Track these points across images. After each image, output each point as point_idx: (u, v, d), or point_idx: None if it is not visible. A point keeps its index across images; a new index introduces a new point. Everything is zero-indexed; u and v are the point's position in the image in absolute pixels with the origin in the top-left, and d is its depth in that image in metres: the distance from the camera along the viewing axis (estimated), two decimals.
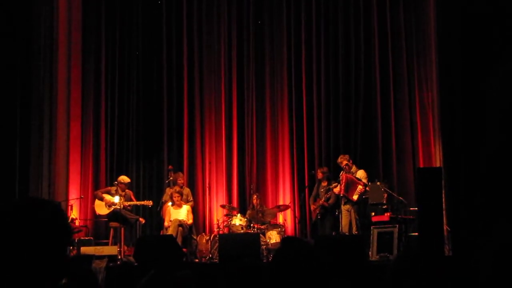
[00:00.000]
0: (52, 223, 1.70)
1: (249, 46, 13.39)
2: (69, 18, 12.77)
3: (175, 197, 11.33)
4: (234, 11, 13.50)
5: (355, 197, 10.58)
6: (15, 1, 11.60)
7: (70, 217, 11.47)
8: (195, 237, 11.46)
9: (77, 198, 12.07)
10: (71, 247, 10.41)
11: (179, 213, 11.28)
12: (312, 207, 11.46)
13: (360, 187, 10.59)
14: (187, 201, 11.60)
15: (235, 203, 12.76)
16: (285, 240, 2.97)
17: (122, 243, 10.76)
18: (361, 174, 10.89)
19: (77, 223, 11.69)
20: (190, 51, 13.52)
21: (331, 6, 13.02)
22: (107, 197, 11.28)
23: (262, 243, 10.33)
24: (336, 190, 10.84)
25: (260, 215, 11.49)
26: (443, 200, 8.43)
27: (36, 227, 1.67)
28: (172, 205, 11.42)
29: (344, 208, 10.67)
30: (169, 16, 13.56)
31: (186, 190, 11.87)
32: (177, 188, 11.58)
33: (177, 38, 13.54)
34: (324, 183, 11.32)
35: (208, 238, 11.29)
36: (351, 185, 10.67)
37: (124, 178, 11.53)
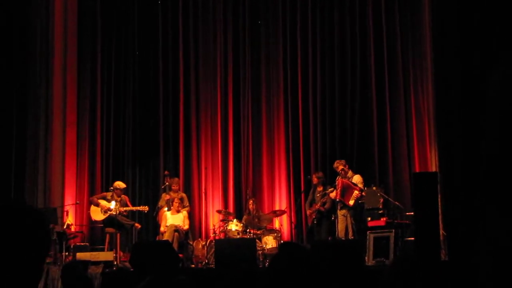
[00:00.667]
0: (31, 231, 1.67)
1: (245, 51, 13.40)
2: (64, 23, 12.77)
3: (176, 202, 11.35)
4: (230, 17, 13.52)
5: (351, 202, 10.56)
6: (11, 6, 11.60)
7: (66, 222, 11.45)
8: (191, 243, 11.44)
9: (72, 204, 12.04)
10: (67, 253, 10.40)
11: (176, 219, 11.27)
12: (308, 212, 11.44)
13: (356, 192, 10.58)
14: (183, 207, 11.60)
15: (231, 209, 12.75)
16: (283, 246, 2.97)
17: (118, 249, 10.72)
18: (357, 179, 10.88)
19: (72, 229, 11.67)
20: (186, 58, 13.52)
21: (326, 13, 13.04)
22: (103, 202, 11.25)
23: (258, 248, 10.32)
24: (332, 195, 10.83)
25: (256, 220, 11.47)
26: (439, 204, 8.43)
27: (15, 233, 1.64)
28: (168, 210, 11.41)
29: (340, 213, 10.66)
30: (165, 22, 13.58)
31: (183, 196, 11.88)
32: (178, 195, 11.61)
33: (173, 44, 13.55)
34: (320, 188, 11.31)
35: (204, 243, 11.27)
36: (347, 190, 10.66)
37: (120, 184, 11.50)
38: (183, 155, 13.26)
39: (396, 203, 10.53)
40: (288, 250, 2.73)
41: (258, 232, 11.20)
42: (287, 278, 2.53)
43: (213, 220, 12.46)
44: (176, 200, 11.40)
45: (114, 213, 11.02)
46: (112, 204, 11.14)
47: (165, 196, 11.71)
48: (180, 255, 10.38)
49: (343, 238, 10.39)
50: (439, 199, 8.38)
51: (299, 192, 12.40)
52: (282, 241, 10.94)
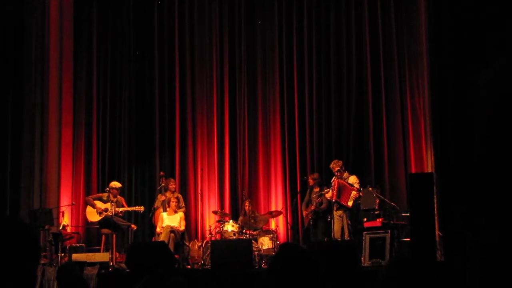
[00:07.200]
0: (21, 245, 1.73)
1: (241, 52, 13.40)
2: (60, 25, 12.75)
3: (173, 202, 11.36)
4: (226, 17, 13.52)
5: (349, 203, 10.55)
6: (6, 8, 11.59)
7: (62, 223, 11.43)
8: (187, 243, 11.43)
9: (68, 205, 12.02)
10: (62, 254, 10.38)
11: (172, 220, 11.26)
12: (304, 213, 11.45)
13: (354, 192, 10.58)
14: (179, 207, 11.60)
15: (227, 209, 12.74)
16: (282, 247, 2.96)
17: (114, 250, 10.70)
18: (353, 179, 10.89)
19: (68, 229, 11.65)
20: (182, 58, 13.51)
21: (322, 13, 13.06)
22: (99, 204, 11.24)
23: (254, 249, 10.30)
24: (328, 195, 10.83)
25: (252, 221, 11.46)
26: (435, 205, 8.45)
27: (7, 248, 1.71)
28: (164, 211, 11.40)
29: (336, 213, 10.66)
30: (161, 23, 13.57)
31: (178, 196, 11.88)
32: (175, 195, 11.62)
33: (169, 44, 13.54)
34: (316, 189, 11.31)
35: (200, 244, 11.25)
36: (343, 190, 10.67)
37: (116, 184, 11.48)
38: (179, 156, 13.24)
39: (392, 204, 10.53)
40: (287, 251, 2.73)
41: (254, 233, 11.19)
42: (286, 279, 2.53)
43: (209, 221, 12.45)
44: (172, 199, 11.41)
45: (110, 214, 11.02)
46: (108, 206, 11.12)
47: (160, 197, 11.71)
48: (176, 256, 10.38)
49: (339, 239, 10.40)
50: (435, 200, 8.40)
51: (295, 193, 12.41)
52: (280, 242, 10.93)
